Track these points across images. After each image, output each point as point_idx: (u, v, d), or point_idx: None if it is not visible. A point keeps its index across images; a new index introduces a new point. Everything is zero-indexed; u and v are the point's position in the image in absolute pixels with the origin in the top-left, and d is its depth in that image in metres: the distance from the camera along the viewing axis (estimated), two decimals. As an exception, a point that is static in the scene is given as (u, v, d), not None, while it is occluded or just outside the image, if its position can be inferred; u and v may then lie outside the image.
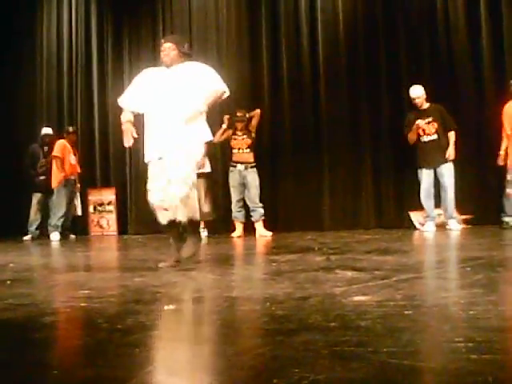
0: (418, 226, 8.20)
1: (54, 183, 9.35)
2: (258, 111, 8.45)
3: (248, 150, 8.42)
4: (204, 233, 8.39)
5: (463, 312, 2.50)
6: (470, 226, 7.90)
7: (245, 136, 8.43)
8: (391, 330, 2.18)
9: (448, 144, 7.80)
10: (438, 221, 7.98)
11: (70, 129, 9.79)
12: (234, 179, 8.46)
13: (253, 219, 8.42)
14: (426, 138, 7.89)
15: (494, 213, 7.89)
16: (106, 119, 10.72)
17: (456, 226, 7.77)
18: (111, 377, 1.79)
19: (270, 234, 8.26)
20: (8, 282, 4.00)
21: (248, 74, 9.70)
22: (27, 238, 9.48)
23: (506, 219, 7.57)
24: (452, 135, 7.86)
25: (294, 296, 3.00)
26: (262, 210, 8.38)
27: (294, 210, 9.22)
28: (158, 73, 4.63)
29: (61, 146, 9.37)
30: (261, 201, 8.41)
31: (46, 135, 9.83)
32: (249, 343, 2.21)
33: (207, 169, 8.48)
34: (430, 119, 7.88)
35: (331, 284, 3.34)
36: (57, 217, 9.28)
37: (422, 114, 7.91)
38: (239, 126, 8.43)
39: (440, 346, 1.99)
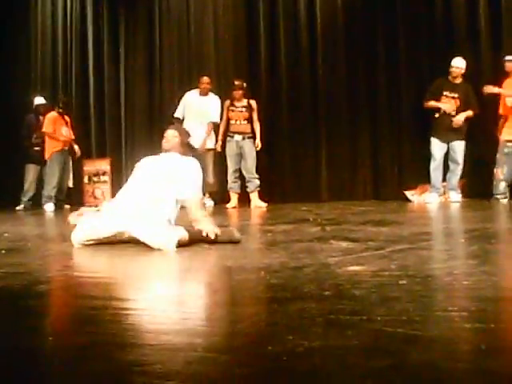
0: (412, 198, 8.21)
1: (47, 154, 9.30)
2: (253, 105, 8.40)
3: (245, 122, 8.38)
4: (210, 202, 8.41)
5: (457, 282, 2.52)
6: (467, 199, 7.91)
7: (243, 109, 8.38)
8: (385, 299, 2.19)
9: (466, 122, 7.79)
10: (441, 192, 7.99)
11: (63, 97, 9.72)
12: (230, 149, 8.43)
13: (248, 190, 8.42)
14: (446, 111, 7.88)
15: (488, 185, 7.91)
16: (102, 90, 10.64)
17: (456, 198, 7.80)
18: (106, 343, 1.80)
19: (265, 204, 8.26)
20: (3, 252, 4.00)
21: (244, 46, 9.62)
22: (20, 208, 9.45)
23: (497, 196, 7.60)
24: (470, 112, 7.82)
25: (288, 265, 3.01)
26: (257, 181, 8.37)
27: (290, 181, 9.21)
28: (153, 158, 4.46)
29: (50, 120, 9.28)
30: (257, 172, 8.40)
31: (41, 105, 9.73)
32: (244, 311, 2.22)
33: (212, 144, 8.48)
34: (456, 95, 7.86)
35: (326, 254, 3.35)
36: (50, 187, 9.25)
37: (452, 87, 7.88)
38: (237, 95, 8.37)
39: (434, 315, 2.00)
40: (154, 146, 9.89)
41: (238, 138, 8.36)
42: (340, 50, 9.09)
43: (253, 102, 8.42)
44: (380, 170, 8.88)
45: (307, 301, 2.20)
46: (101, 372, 1.54)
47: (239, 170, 8.48)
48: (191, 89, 8.77)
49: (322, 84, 9.13)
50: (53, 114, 9.37)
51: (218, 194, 8.75)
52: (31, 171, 9.65)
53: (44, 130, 9.28)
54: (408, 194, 8.30)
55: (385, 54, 8.85)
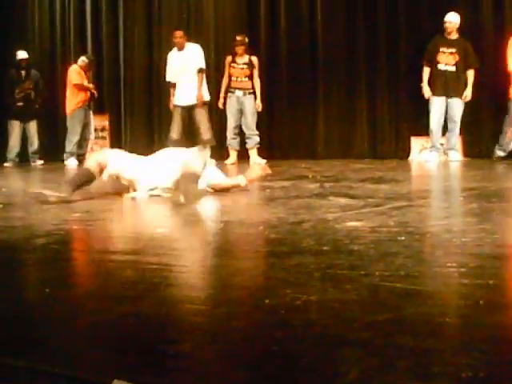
0: (415, 153, 8.17)
1: (68, 110, 9.16)
2: (254, 61, 8.27)
3: (246, 79, 8.28)
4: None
5: (456, 239, 2.50)
6: (467, 158, 7.88)
7: (245, 66, 8.28)
8: (384, 254, 2.18)
9: (465, 80, 7.70)
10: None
11: (86, 59, 9.41)
12: (231, 105, 8.35)
13: (247, 146, 8.37)
14: (443, 67, 7.77)
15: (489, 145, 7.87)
16: (100, 46, 10.48)
17: (456, 157, 7.77)
18: (102, 295, 1.79)
19: (264, 161, 8.23)
20: (0, 206, 3.98)
21: (244, 2, 9.45)
22: (8, 164, 9.37)
23: (499, 152, 7.56)
24: (471, 74, 7.71)
25: (287, 221, 3.00)
26: (257, 138, 8.32)
27: (289, 138, 9.16)
28: None
29: (75, 72, 9.09)
30: (256, 128, 8.34)
31: (23, 59, 9.49)
32: (242, 265, 2.21)
33: (207, 97, 8.37)
34: (453, 50, 7.74)
35: (324, 210, 3.34)
36: (72, 144, 9.17)
37: (448, 42, 7.76)
38: (239, 50, 8.24)
39: (432, 270, 1.99)
40: (152, 105, 9.90)
41: (239, 93, 8.27)
42: (339, 8, 8.93)
43: (254, 59, 8.31)
44: (378, 127, 8.82)
45: (305, 255, 2.20)
46: (95, 324, 1.54)
47: (239, 127, 8.41)
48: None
49: (320, 42, 9.00)
50: (75, 67, 9.18)
51: (216, 150, 8.69)
52: (15, 128, 9.49)
53: (74, 82, 9.05)
54: (413, 140, 8.25)
55: (384, 11, 8.70)
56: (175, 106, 8.15)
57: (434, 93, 7.80)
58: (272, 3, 9.28)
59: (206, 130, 8.09)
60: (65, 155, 9.22)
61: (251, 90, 8.28)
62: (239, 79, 8.26)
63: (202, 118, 8.10)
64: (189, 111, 8.11)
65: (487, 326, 1.44)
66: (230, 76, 8.32)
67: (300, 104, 9.05)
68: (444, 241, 2.52)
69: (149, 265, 2.28)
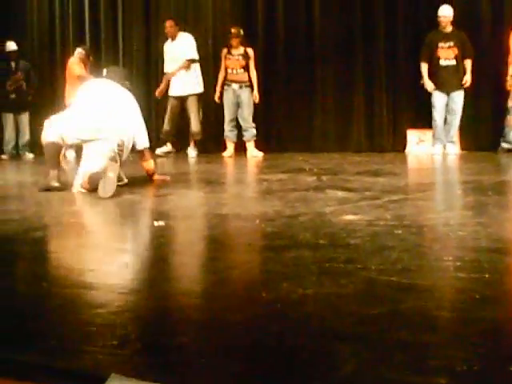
0: (412, 146, 8.17)
1: (68, 101, 9.06)
2: (250, 52, 8.25)
3: (242, 70, 8.27)
4: (194, 152, 8.35)
5: (452, 233, 2.51)
6: (464, 152, 7.88)
7: (240, 57, 8.26)
8: (380, 248, 2.19)
9: (465, 71, 7.72)
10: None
11: (82, 50, 9.33)
12: (227, 98, 8.34)
13: (244, 139, 8.36)
14: (443, 62, 7.79)
15: (491, 138, 7.86)
16: (99, 37, 10.43)
17: (454, 151, 7.78)
18: (102, 290, 1.80)
19: (262, 154, 8.22)
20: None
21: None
22: (5, 157, 9.33)
23: (504, 145, 7.57)
24: (469, 63, 7.75)
25: (284, 214, 3.00)
26: (254, 131, 8.31)
27: (286, 131, 9.14)
28: None
29: (76, 63, 9.00)
30: (253, 121, 8.33)
31: (13, 51, 9.41)
32: (238, 258, 2.22)
33: (200, 89, 8.36)
34: (451, 43, 7.76)
35: (321, 203, 3.34)
36: None
37: (444, 36, 7.77)
38: (234, 42, 8.23)
39: (429, 264, 2.00)
40: (150, 97, 9.87)
41: (235, 86, 8.27)
42: (337, 0, 8.91)
43: (249, 50, 8.30)
44: (375, 120, 8.81)
45: (302, 249, 2.20)
46: (94, 318, 1.54)
47: (236, 119, 8.41)
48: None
49: (318, 35, 8.97)
50: (74, 59, 9.08)
51: (208, 142, 8.68)
52: (9, 120, 9.43)
53: (78, 73, 8.94)
54: (409, 132, 8.26)
55: (382, 3, 8.67)
56: (169, 97, 8.25)
57: (437, 87, 7.82)
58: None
59: (195, 123, 8.18)
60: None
61: (247, 83, 8.26)
62: (235, 71, 8.25)
63: (194, 109, 8.18)
64: (181, 102, 8.19)
65: (482, 319, 1.45)
66: (226, 69, 8.32)
67: (297, 97, 9.02)
68: (440, 234, 2.53)
69: (146, 259, 2.29)
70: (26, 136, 9.43)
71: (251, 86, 8.26)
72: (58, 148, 4.55)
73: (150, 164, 4.78)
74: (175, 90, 8.19)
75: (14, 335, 1.41)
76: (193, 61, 8.28)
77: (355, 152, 8.30)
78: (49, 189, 4.30)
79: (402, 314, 1.48)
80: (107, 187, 3.88)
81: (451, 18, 7.77)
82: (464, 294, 1.67)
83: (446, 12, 7.75)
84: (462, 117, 7.88)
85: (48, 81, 10.14)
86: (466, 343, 1.29)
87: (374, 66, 8.72)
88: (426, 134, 8.14)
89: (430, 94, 7.92)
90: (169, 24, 8.29)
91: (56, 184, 4.37)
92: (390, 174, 5.19)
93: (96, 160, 4.32)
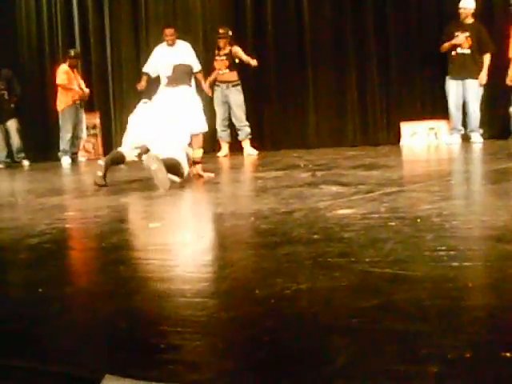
0: (405, 138, 8.18)
1: (59, 108, 9.12)
2: (233, 50, 8.26)
3: (227, 70, 8.30)
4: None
5: (446, 222, 2.52)
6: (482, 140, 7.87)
7: (224, 57, 8.30)
8: (374, 240, 2.20)
9: (481, 63, 7.74)
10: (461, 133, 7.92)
11: (72, 52, 9.35)
12: (217, 98, 8.40)
13: (239, 138, 8.38)
14: (459, 50, 7.85)
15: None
16: (88, 43, 10.43)
17: (478, 139, 7.75)
18: (94, 292, 1.80)
19: (256, 152, 8.24)
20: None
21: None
22: (0, 166, 9.35)
23: None
24: (487, 58, 7.76)
25: (278, 211, 3.00)
26: (248, 129, 8.33)
27: (280, 128, 9.15)
28: None
29: (63, 72, 9.04)
30: (247, 119, 8.34)
31: None
32: (232, 256, 2.22)
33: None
34: (468, 34, 7.79)
35: (316, 199, 3.35)
36: (65, 141, 9.16)
37: (462, 27, 7.81)
38: (222, 42, 8.26)
39: (422, 254, 2.01)
40: (140, 101, 9.86)
41: (223, 86, 8.34)
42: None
43: (234, 49, 8.29)
44: (368, 114, 8.82)
45: (296, 245, 2.21)
46: (89, 321, 1.55)
47: (228, 119, 8.42)
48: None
49: (308, 32, 8.98)
50: (63, 67, 9.12)
51: (208, 143, 8.68)
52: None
53: (58, 82, 9.01)
54: (403, 125, 8.26)
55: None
56: None
57: (451, 74, 7.85)
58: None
59: None
60: (59, 153, 9.23)
61: (235, 82, 8.28)
62: (221, 72, 8.34)
63: None
64: None
65: (475, 308, 1.46)
66: (214, 69, 8.38)
67: (290, 93, 9.04)
68: (434, 225, 2.53)
69: (141, 260, 2.30)
70: (16, 143, 9.47)
71: (239, 85, 8.29)
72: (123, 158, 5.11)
73: (199, 152, 4.92)
74: None
75: (9, 340, 1.42)
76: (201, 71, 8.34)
77: (350, 147, 8.31)
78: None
79: (395, 305, 1.49)
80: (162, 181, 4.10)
81: (472, 11, 7.84)
82: (457, 282, 1.68)
83: (465, 4, 7.83)
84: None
85: (39, 86, 10.15)
86: (458, 332, 1.30)
87: (366, 61, 8.73)
88: (420, 126, 8.16)
89: (430, 84, 7.94)
90: (169, 33, 8.37)
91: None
92: (384, 167, 5.19)
93: (167, 145, 4.56)
